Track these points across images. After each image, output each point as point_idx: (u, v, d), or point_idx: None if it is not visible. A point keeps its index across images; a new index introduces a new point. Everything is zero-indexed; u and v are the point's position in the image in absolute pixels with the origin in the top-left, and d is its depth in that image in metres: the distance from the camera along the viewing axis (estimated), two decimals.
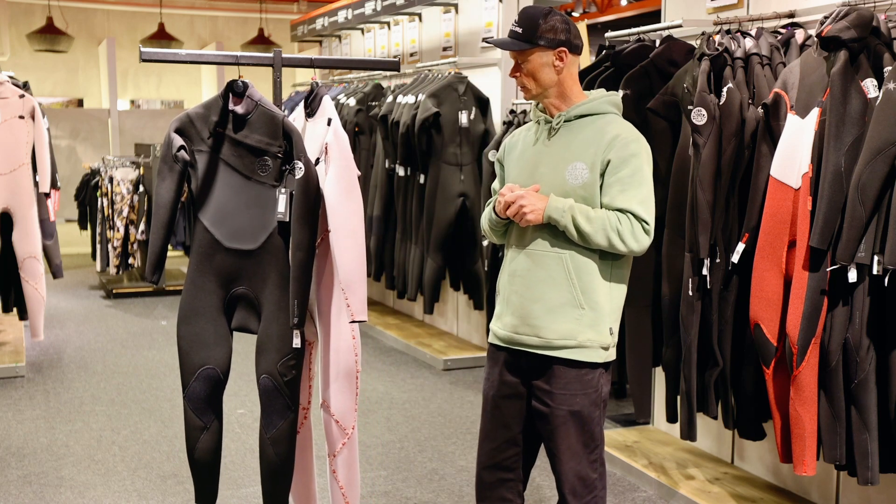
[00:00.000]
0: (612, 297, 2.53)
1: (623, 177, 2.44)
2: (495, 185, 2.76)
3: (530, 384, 2.58)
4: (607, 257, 2.50)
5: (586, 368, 2.52)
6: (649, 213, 2.46)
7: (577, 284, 2.48)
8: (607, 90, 3.75)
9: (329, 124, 2.73)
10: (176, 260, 9.51)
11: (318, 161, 2.74)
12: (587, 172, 2.47)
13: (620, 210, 2.44)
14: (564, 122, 2.54)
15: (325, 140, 2.72)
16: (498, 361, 2.63)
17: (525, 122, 4.94)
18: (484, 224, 2.70)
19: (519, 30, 2.50)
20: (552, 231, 2.48)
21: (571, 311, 2.48)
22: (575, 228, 2.42)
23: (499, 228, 2.63)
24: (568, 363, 2.50)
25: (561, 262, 2.48)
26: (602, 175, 2.47)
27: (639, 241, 2.44)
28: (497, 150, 5.13)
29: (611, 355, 2.56)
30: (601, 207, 2.47)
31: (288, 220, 2.65)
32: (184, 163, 2.71)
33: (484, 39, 2.61)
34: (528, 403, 2.61)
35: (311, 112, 2.82)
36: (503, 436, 2.64)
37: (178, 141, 2.71)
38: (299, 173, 2.61)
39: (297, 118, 2.85)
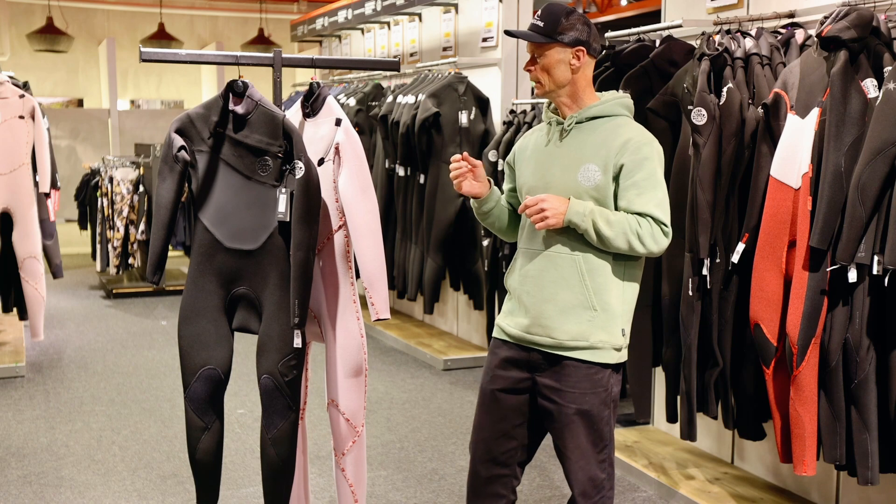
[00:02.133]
0: (624, 298, 2.53)
1: (639, 180, 2.45)
2: (505, 186, 2.77)
3: (536, 381, 2.58)
4: (620, 258, 2.51)
5: (597, 367, 2.52)
6: (666, 216, 2.46)
7: (589, 286, 2.49)
8: (607, 90, 3.78)
9: (339, 125, 2.74)
10: (176, 260, 9.52)
11: (322, 161, 2.75)
12: (599, 174, 2.47)
13: (639, 214, 2.44)
14: (576, 123, 2.55)
15: (333, 140, 2.73)
16: (501, 356, 2.63)
17: (525, 123, 4.94)
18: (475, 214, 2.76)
19: (540, 24, 2.51)
20: (566, 232, 2.49)
21: (583, 313, 2.49)
22: (595, 233, 2.42)
23: (484, 211, 2.68)
24: (579, 362, 2.51)
25: (574, 264, 2.49)
26: (615, 178, 2.47)
27: (658, 243, 2.44)
28: (497, 150, 5.14)
29: (623, 356, 2.56)
30: (616, 211, 2.48)
31: (288, 219, 2.65)
32: (184, 163, 2.71)
33: (506, 31, 2.62)
34: (531, 400, 2.61)
35: (311, 112, 2.82)
36: (500, 429, 2.64)
37: (179, 141, 2.71)
38: (299, 173, 2.61)
39: (292, 117, 2.86)
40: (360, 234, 2.71)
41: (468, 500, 2.73)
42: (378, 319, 2.76)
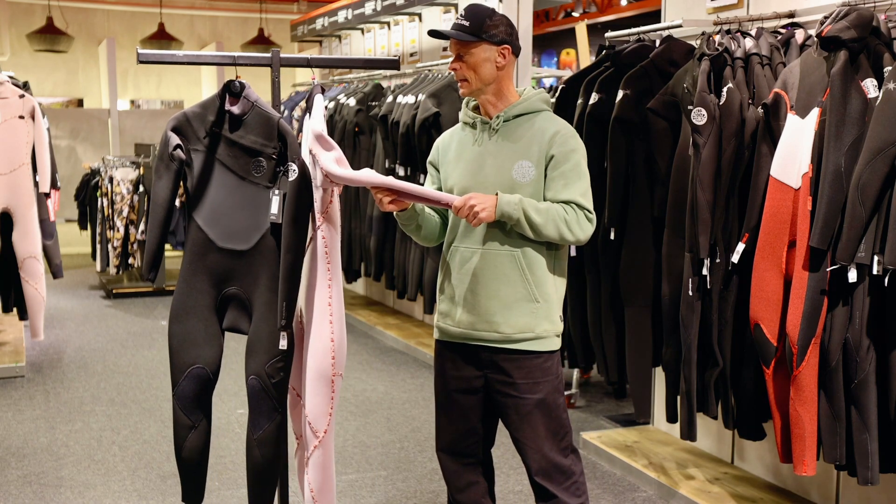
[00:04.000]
0: (557, 287, 2.64)
1: (566, 171, 2.55)
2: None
3: (488, 378, 2.65)
4: (551, 250, 2.60)
5: (545, 356, 2.61)
6: (590, 203, 2.58)
7: (530, 279, 2.57)
8: (607, 90, 3.80)
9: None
10: (176, 260, 9.51)
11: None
12: (533, 170, 2.56)
13: (565, 202, 2.54)
14: (503, 122, 2.61)
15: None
16: (449, 357, 2.70)
17: None
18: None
19: (466, 23, 2.56)
20: (502, 229, 2.56)
21: (527, 305, 2.58)
22: (527, 221, 2.49)
23: (408, 224, 2.67)
24: (528, 353, 2.59)
25: (514, 259, 2.57)
26: (545, 170, 2.57)
27: (584, 229, 2.55)
28: None
29: (560, 341, 2.68)
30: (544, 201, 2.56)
31: (281, 221, 2.65)
32: (180, 161, 2.71)
33: (429, 32, 2.63)
34: (486, 396, 2.68)
35: (309, 112, 2.82)
36: (462, 427, 2.73)
37: (175, 139, 2.71)
38: (293, 175, 2.61)
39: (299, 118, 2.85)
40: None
41: (449, 495, 2.81)
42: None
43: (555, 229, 2.51)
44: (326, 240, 2.70)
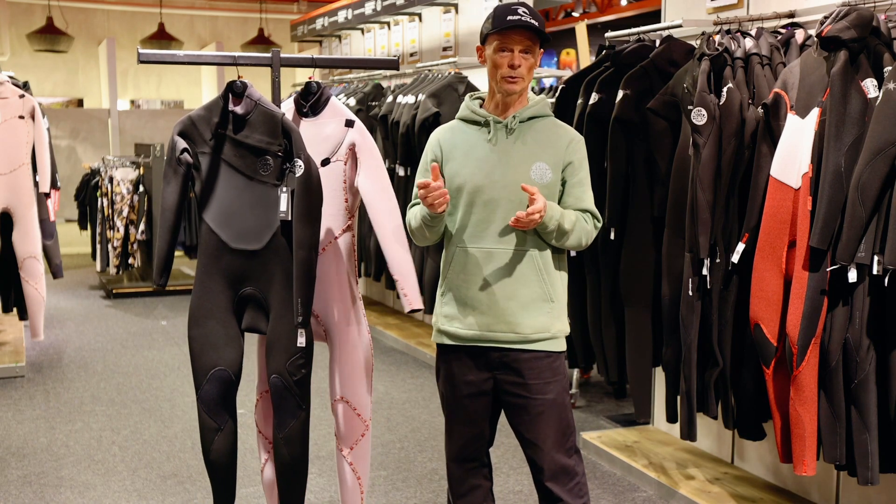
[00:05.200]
0: (564, 287, 2.68)
1: (582, 178, 2.61)
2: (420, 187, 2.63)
3: (497, 379, 2.64)
4: (557, 251, 2.63)
5: (554, 356, 2.62)
6: (596, 210, 2.65)
7: (546, 280, 2.59)
8: (607, 90, 3.80)
9: (350, 125, 2.77)
10: (176, 260, 9.52)
11: (327, 161, 2.75)
12: (550, 173, 2.57)
13: (584, 210, 2.59)
14: (519, 122, 2.61)
15: (342, 141, 2.78)
16: (456, 362, 2.66)
17: None
18: (415, 224, 2.65)
19: (535, 22, 2.50)
20: (517, 230, 2.54)
21: (543, 305, 2.59)
22: (559, 232, 2.52)
23: (436, 226, 2.59)
24: (540, 353, 2.59)
25: (531, 260, 2.57)
26: (561, 174, 2.60)
27: (592, 237, 2.63)
28: None
29: (566, 342, 2.71)
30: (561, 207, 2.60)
31: (290, 218, 2.65)
32: (187, 165, 2.72)
33: (517, 24, 2.47)
34: (494, 398, 2.68)
35: (310, 111, 2.82)
36: (470, 432, 2.72)
37: (181, 144, 2.72)
38: (299, 171, 2.61)
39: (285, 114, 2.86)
40: (385, 233, 2.76)
41: (450, 499, 2.81)
42: (413, 310, 2.77)
43: (577, 239, 2.57)
44: (355, 239, 2.84)
